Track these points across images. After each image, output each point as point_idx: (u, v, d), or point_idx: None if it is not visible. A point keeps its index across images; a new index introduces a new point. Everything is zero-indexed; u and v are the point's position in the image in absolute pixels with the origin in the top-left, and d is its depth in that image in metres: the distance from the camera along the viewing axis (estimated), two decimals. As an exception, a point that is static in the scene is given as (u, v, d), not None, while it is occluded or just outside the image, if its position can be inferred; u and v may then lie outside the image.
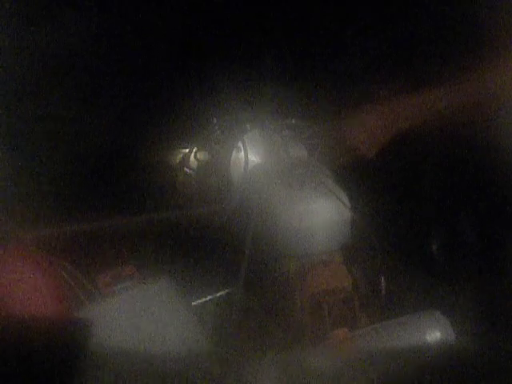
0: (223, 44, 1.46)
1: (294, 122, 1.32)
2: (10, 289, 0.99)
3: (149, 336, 1.05)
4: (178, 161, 1.40)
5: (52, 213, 1.27)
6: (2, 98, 1.29)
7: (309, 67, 1.51)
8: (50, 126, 1.38)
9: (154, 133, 1.47)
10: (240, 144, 1.27)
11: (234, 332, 1.15)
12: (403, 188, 1.43)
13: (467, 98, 1.27)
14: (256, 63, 1.47)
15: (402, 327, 1.06)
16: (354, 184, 1.24)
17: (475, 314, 1.21)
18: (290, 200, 1.15)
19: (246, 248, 1.14)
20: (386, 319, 1.11)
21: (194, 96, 1.46)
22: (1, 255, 1.03)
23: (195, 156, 1.36)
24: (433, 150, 1.40)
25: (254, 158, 1.28)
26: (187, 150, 1.37)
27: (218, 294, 1.32)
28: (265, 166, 1.27)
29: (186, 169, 1.36)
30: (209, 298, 1.32)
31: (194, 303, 1.29)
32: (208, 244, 1.33)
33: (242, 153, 1.26)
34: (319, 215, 1.14)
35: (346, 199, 1.17)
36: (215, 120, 1.32)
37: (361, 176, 1.35)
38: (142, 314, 1.08)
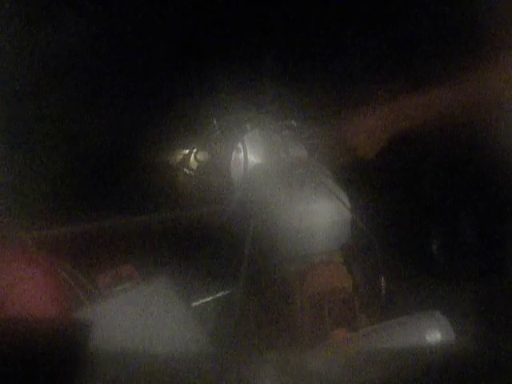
0: (223, 44, 1.46)
1: (293, 122, 1.32)
2: (10, 289, 1.00)
3: (149, 336, 1.05)
4: (177, 161, 1.40)
5: (52, 213, 1.27)
6: (1, 98, 1.29)
7: (309, 67, 1.51)
8: (49, 126, 1.38)
9: (154, 133, 1.47)
10: (240, 144, 1.26)
11: (234, 332, 1.15)
12: (403, 188, 1.43)
13: (467, 97, 1.27)
14: (256, 63, 1.47)
15: (402, 327, 1.06)
16: (353, 184, 1.24)
17: (475, 314, 1.21)
18: (289, 200, 1.15)
19: (246, 248, 1.14)
20: (386, 319, 1.11)
21: (194, 96, 1.46)
22: (1, 255, 1.03)
23: (195, 156, 1.35)
24: (433, 150, 1.40)
25: (254, 158, 1.28)
26: (187, 151, 1.37)
27: (218, 295, 1.32)
28: (265, 166, 1.26)
29: (185, 169, 1.36)
30: (209, 298, 1.32)
31: (193, 304, 1.29)
32: (208, 244, 1.33)
33: (242, 153, 1.26)
34: (319, 215, 1.14)
35: (345, 199, 1.17)
36: (215, 120, 1.32)
37: (361, 176, 1.35)
38: (141, 314, 1.07)
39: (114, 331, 1.01)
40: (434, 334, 1.03)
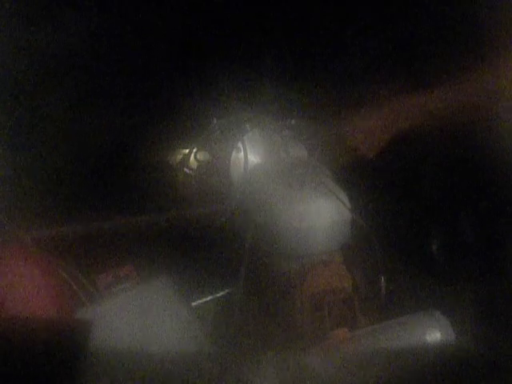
0: (223, 44, 1.46)
1: (293, 122, 1.32)
2: (10, 289, 1.00)
3: (149, 336, 1.05)
4: (177, 161, 1.40)
5: (52, 213, 1.27)
6: (1, 98, 1.29)
7: (309, 67, 1.51)
8: (49, 126, 1.38)
9: (154, 133, 1.47)
10: (240, 144, 1.27)
11: (233, 332, 1.15)
12: (403, 188, 1.43)
13: (467, 97, 1.27)
14: (256, 63, 1.47)
15: (401, 327, 1.06)
16: (353, 184, 1.24)
17: (475, 314, 1.21)
18: (289, 200, 1.15)
19: (246, 248, 1.14)
20: (386, 319, 1.11)
21: (194, 96, 1.46)
22: (1, 255, 1.03)
23: (195, 156, 1.36)
24: (433, 150, 1.40)
25: (254, 158, 1.28)
26: (187, 150, 1.37)
27: (218, 294, 1.32)
28: (265, 166, 1.27)
29: (185, 169, 1.36)
30: (209, 298, 1.32)
31: (193, 303, 1.29)
32: (208, 244, 1.33)
33: (242, 153, 1.26)
34: (319, 215, 1.14)
35: (345, 199, 1.17)
36: (215, 120, 1.32)
37: (361, 176, 1.35)
38: (141, 314, 1.08)
39: (114, 331, 1.01)
40: (434, 333, 1.03)
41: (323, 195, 1.16)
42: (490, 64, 1.24)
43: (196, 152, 1.36)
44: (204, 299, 1.32)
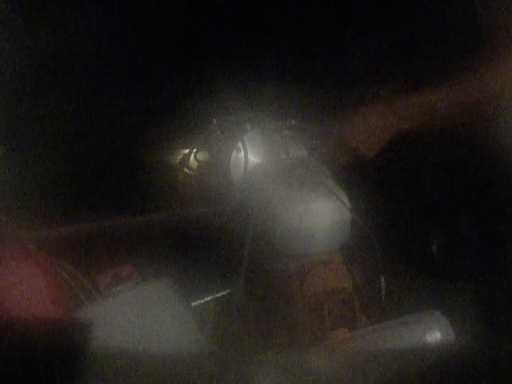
0: (223, 44, 1.46)
1: (293, 122, 1.32)
2: (10, 289, 0.99)
3: (149, 336, 1.05)
4: (178, 161, 1.40)
5: (52, 213, 1.27)
6: (1, 98, 1.29)
7: (309, 67, 1.51)
8: (49, 126, 1.38)
9: (154, 133, 1.47)
10: (240, 144, 1.26)
11: (233, 332, 1.15)
12: (403, 188, 1.43)
13: (467, 97, 1.27)
14: (256, 63, 1.47)
15: (401, 327, 1.06)
16: (354, 184, 1.24)
17: (475, 314, 1.21)
18: (289, 200, 1.15)
19: (246, 248, 1.14)
20: (386, 319, 1.11)
21: (194, 96, 1.46)
22: (1, 255, 1.03)
23: (195, 156, 1.35)
24: (433, 150, 1.40)
25: (254, 158, 1.28)
26: (187, 150, 1.36)
27: (218, 294, 1.32)
28: (265, 166, 1.26)
29: (185, 169, 1.36)
30: (209, 298, 1.32)
31: (193, 303, 1.29)
32: (208, 244, 1.33)
33: (242, 153, 1.26)
34: (319, 215, 1.14)
35: (345, 199, 1.17)
36: (215, 120, 1.32)
37: (361, 176, 1.35)
38: (141, 314, 1.07)
39: (114, 331, 1.01)
40: (434, 333, 1.03)
41: (323, 195, 1.16)
42: (489, 64, 1.24)
43: (196, 152, 1.36)
44: (204, 299, 1.32)
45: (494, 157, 1.26)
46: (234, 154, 1.27)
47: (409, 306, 1.16)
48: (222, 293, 1.32)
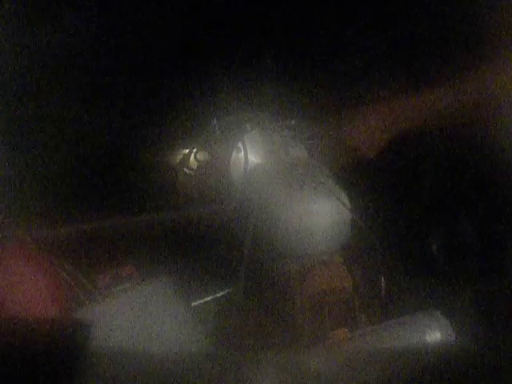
0: (223, 44, 1.46)
1: (293, 122, 1.32)
2: (10, 289, 1.00)
3: (148, 336, 1.05)
4: (178, 161, 1.40)
5: (52, 213, 1.27)
6: (2, 98, 1.29)
7: (309, 67, 1.51)
8: (50, 126, 1.38)
9: (154, 133, 1.47)
10: (240, 144, 1.26)
11: (233, 332, 1.15)
12: (403, 188, 1.43)
13: (467, 97, 1.27)
14: (256, 63, 1.47)
15: (402, 327, 1.06)
16: (354, 184, 1.24)
17: (475, 314, 1.21)
18: (289, 200, 1.15)
19: (246, 248, 1.14)
20: (386, 319, 1.11)
21: (194, 96, 1.46)
22: (1, 255, 1.03)
23: (195, 156, 1.35)
24: (433, 150, 1.40)
25: (254, 158, 1.28)
26: (187, 151, 1.37)
27: (218, 294, 1.32)
28: (265, 166, 1.26)
29: (185, 169, 1.36)
30: (209, 298, 1.32)
31: (193, 303, 1.29)
32: (208, 244, 1.33)
33: (242, 153, 1.26)
34: (319, 215, 1.14)
35: (346, 199, 1.17)
36: (215, 120, 1.32)
37: (361, 176, 1.35)
38: (141, 314, 1.08)
39: (113, 331, 1.01)
40: (434, 333, 1.03)
41: (323, 195, 1.16)
42: (490, 64, 1.24)
43: (196, 152, 1.36)
44: (204, 299, 1.32)
45: (493, 157, 1.26)
46: (234, 154, 1.27)
47: (409, 306, 1.16)
48: (222, 293, 1.32)
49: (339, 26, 1.46)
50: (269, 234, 1.16)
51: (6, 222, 1.11)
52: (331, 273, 1.14)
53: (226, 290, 1.32)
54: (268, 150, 1.28)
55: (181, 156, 1.39)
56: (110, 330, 1.00)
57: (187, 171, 1.36)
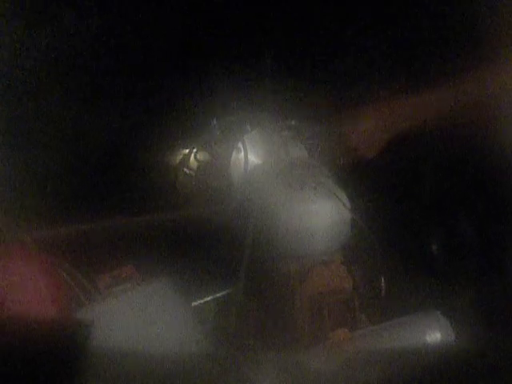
0: (223, 44, 1.46)
1: (293, 122, 1.32)
2: (11, 289, 1.00)
3: (149, 336, 1.05)
4: (178, 161, 1.40)
5: (52, 213, 1.27)
6: (2, 98, 1.29)
7: (309, 67, 1.51)
8: (50, 125, 1.38)
9: (154, 133, 1.47)
10: (240, 144, 1.26)
11: (233, 332, 1.15)
12: (403, 188, 1.43)
13: (467, 97, 1.27)
14: (256, 63, 1.47)
15: (402, 328, 1.06)
16: (353, 184, 1.24)
17: (475, 314, 1.21)
18: (289, 200, 1.15)
19: (246, 248, 1.14)
20: (386, 320, 1.11)
21: (194, 96, 1.46)
22: (1, 255, 1.03)
23: (195, 156, 1.35)
24: (432, 150, 1.41)
25: (254, 158, 1.28)
26: (187, 151, 1.37)
27: (218, 295, 1.32)
28: (265, 166, 1.26)
29: (185, 169, 1.36)
30: (208, 298, 1.32)
31: (193, 303, 1.29)
32: (208, 244, 1.33)
33: (242, 153, 1.26)
34: (319, 216, 1.14)
35: (345, 199, 1.17)
36: (215, 120, 1.32)
37: (361, 176, 1.35)
38: (141, 314, 1.08)
39: (113, 331, 1.01)
40: (434, 333, 1.03)
41: (323, 196, 1.16)
42: (490, 64, 1.24)
43: (196, 152, 1.36)
44: (204, 299, 1.32)
45: (493, 157, 1.26)
46: (234, 154, 1.27)
47: (409, 306, 1.16)
48: (222, 293, 1.32)
49: (339, 25, 1.46)
50: (269, 233, 1.16)
51: (7, 222, 1.11)
52: (331, 273, 1.14)
53: (226, 290, 1.32)
54: (268, 150, 1.28)
55: (181, 156, 1.39)
56: (110, 329, 1.00)
57: (187, 171, 1.36)
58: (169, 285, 1.14)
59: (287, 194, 1.16)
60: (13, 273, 1.01)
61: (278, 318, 1.16)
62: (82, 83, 1.40)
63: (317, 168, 1.24)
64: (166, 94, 1.48)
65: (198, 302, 1.31)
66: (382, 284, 1.17)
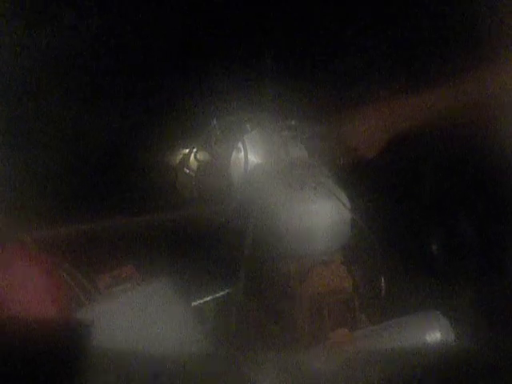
0: (223, 44, 1.46)
1: (293, 122, 1.32)
2: (11, 289, 1.00)
3: (149, 336, 1.05)
4: (178, 161, 1.40)
5: (52, 213, 1.27)
6: (2, 98, 1.29)
7: (309, 67, 1.51)
8: (50, 125, 1.38)
9: (154, 133, 1.47)
10: (240, 144, 1.26)
11: (233, 332, 1.15)
12: (403, 188, 1.43)
13: (467, 97, 1.27)
14: (256, 63, 1.47)
15: (402, 327, 1.06)
16: (354, 184, 1.24)
17: (475, 314, 1.21)
18: (289, 200, 1.15)
19: (246, 248, 1.14)
20: (386, 319, 1.11)
21: (194, 96, 1.46)
22: (1, 255, 1.03)
23: (195, 156, 1.35)
24: (432, 150, 1.41)
25: (254, 158, 1.27)
26: (187, 151, 1.36)
27: (218, 295, 1.32)
28: (265, 166, 1.26)
29: (185, 169, 1.36)
30: (208, 298, 1.32)
31: (193, 303, 1.29)
32: (208, 244, 1.33)
33: (242, 153, 1.26)
34: (319, 216, 1.14)
35: (345, 200, 1.17)
36: (215, 120, 1.32)
37: (361, 176, 1.35)
38: (141, 314, 1.08)
39: (113, 331, 1.01)
40: (434, 333, 1.03)
41: (323, 196, 1.16)
42: (490, 64, 1.24)
43: (196, 152, 1.36)
44: (204, 299, 1.32)
45: (493, 157, 1.26)
46: (234, 154, 1.27)
47: (409, 306, 1.16)
48: (222, 293, 1.32)
49: (339, 25, 1.46)
50: (269, 233, 1.16)
51: (7, 223, 1.11)
52: (331, 273, 1.14)
53: (226, 290, 1.32)
54: (268, 149, 1.28)
55: (181, 156, 1.39)
56: (110, 329, 1.00)
57: (187, 171, 1.36)
58: (169, 285, 1.14)
59: (287, 193, 1.16)
60: (13, 273, 1.02)
61: (278, 318, 1.16)
62: (82, 83, 1.40)
63: (317, 168, 1.24)
64: (166, 94, 1.48)
65: (198, 302, 1.31)
66: (382, 284, 1.17)
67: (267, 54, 1.48)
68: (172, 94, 1.47)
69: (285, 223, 1.14)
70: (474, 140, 1.28)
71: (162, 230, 1.34)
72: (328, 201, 1.15)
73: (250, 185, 1.23)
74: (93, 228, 1.28)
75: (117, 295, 1.10)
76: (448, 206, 1.42)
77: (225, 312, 1.25)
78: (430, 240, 1.43)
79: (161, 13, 1.43)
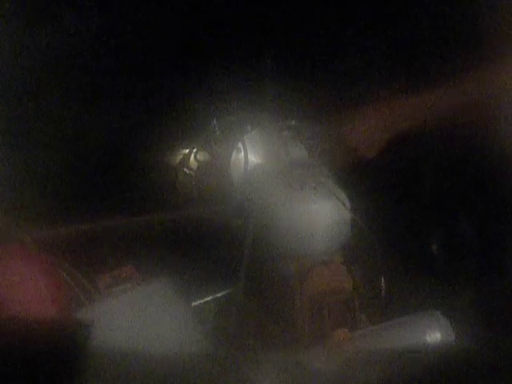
0: (223, 44, 1.46)
1: (293, 122, 1.32)
2: (10, 289, 1.00)
3: (148, 337, 1.05)
4: (178, 161, 1.40)
5: (52, 213, 1.27)
6: (2, 98, 1.29)
7: (309, 67, 1.51)
8: (50, 125, 1.38)
9: (154, 133, 1.47)
10: (240, 144, 1.26)
11: (233, 332, 1.15)
12: (403, 188, 1.43)
13: (467, 97, 1.27)
14: (256, 63, 1.47)
15: (402, 328, 1.06)
16: (354, 184, 1.24)
17: (475, 314, 1.21)
18: (289, 200, 1.15)
19: (246, 248, 1.14)
20: (386, 320, 1.11)
21: (194, 96, 1.46)
22: (1, 255, 1.03)
23: (195, 156, 1.35)
24: (432, 150, 1.41)
25: (254, 158, 1.28)
26: (187, 151, 1.37)
27: (218, 295, 1.32)
28: (265, 166, 1.26)
29: (185, 169, 1.36)
30: (208, 298, 1.32)
31: (193, 303, 1.29)
32: (208, 244, 1.33)
33: (242, 153, 1.26)
34: (319, 216, 1.14)
35: (345, 200, 1.17)
36: (215, 120, 1.32)
37: (361, 176, 1.35)
38: (141, 314, 1.08)
39: (113, 331, 1.01)
40: (434, 333, 1.03)
41: (323, 195, 1.16)
42: (490, 64, 1.24)
43: (196, 152, 1.36)
44: (204, 299, 1.32)
45: (493, 157, 1.26)
46: (234, 154, 1.27)
47: (409, 306, 1.16)
48: (222, 293, 1.32)
49: (339, 25, 1.46)
50: (269, 233, 1.16)
51: (7, 223, 1.11)
52: (331, 273, 1.14)
53: (226, 290, 1.32)
54: (268, 150, 1.28)
55: (181, 156, 1.39)
56: (110, 329, 1.00)
57: (187, 171, 1.36)
58: (169, 285, 1.14)
59: (287, 193, 1.16)
60: (13, 273, 1.01)
61: (278, 318, 1.16)
62: (82, 83, 1.40)
63: (317, 168, 1.24)
64: (166, 94, 1.48)
65: (198, 302, 1.31)
66: (382, 284, 1.17)
67: (267, 54, 1.48)
68: (172, 94, 1.47)
69: (285, 223, 1.14)
70: (474, 140, 1.28)
71: (162, 230, 1.34)
72: (328, 201, 1.15)
73: (250, 185, 1.24)
74: (93, 228, 1.28)
75: (117, 295, 1.10)
76: (448, 205, 1.42)
77: (225, 312, 1.25)
78: (430, 240, 1.43)
79: (161, 13, 1.43)
